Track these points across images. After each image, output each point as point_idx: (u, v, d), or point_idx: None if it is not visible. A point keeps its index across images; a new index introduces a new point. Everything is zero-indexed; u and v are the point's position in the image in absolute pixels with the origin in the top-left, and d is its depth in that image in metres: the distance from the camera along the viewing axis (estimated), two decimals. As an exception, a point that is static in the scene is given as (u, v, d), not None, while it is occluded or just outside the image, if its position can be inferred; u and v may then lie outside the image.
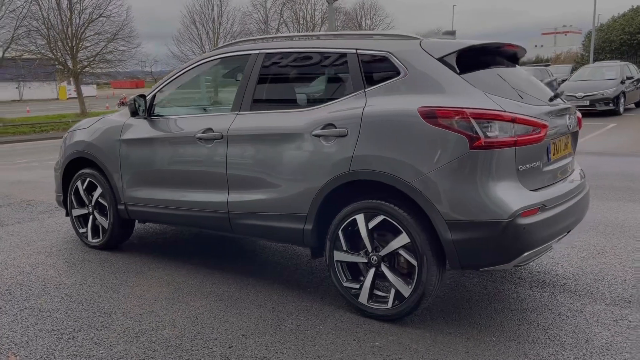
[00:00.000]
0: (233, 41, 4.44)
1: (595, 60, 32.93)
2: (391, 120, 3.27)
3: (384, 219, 3.30)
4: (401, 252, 3.29)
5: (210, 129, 4.04)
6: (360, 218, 3.38)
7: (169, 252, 4.92)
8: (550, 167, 3.42)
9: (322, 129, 3.50)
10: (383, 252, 3.34)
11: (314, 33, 4.53)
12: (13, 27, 30.66)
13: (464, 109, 3.07)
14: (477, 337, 3.19)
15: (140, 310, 3.63)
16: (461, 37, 3.63)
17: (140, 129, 4.53)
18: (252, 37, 4.41)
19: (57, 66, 34.59)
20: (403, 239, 3.25)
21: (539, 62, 40.98)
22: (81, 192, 5.02)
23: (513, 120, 3.06)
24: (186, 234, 5.50)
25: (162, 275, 4.29)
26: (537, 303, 3.64)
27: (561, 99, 3.78)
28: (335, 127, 3.45)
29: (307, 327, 3.34)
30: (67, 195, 5.16)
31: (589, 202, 3.95)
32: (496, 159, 3.04)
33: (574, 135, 3.88)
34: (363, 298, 3.43)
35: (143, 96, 4.47)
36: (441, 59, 3.29)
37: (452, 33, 3.88)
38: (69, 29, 33.41)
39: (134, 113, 4.46)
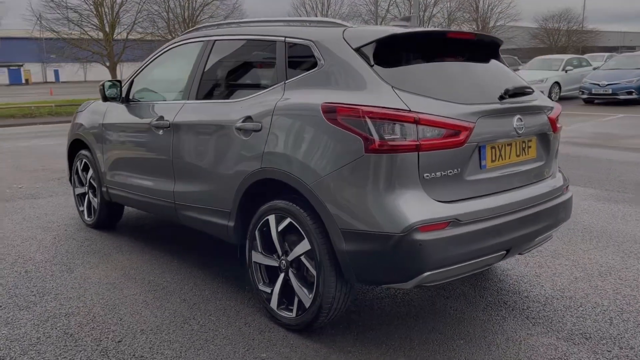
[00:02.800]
0: (197, 27, 4.36)
1: None
2: (297, 116, 3.01)
3: (290, 222, 3.06)
4: (303, 259, 3.03)
5: (162, 117, 4.01)
6: (272, 219, 3.17)
7: (155, 236, 5.00)
8: (485, 176, 2.95)
9: (243, 122, 3.31)
10: (290, 258, 3.11)
11: (262, 19, 4.27)
12: (136, 10, 32.95)
13: (358, 107, 2.73)
14: (379, 358, 2.88)
15: (73, 294, 3.71)
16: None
17: (116, 114, 4.63)
18: (215, 22, 4.29)
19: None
20: (305, 245, 2.99)
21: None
22: (79, 172, 5.26)
23: (416, 122, 2.66)
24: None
25: (124, 260, 4.37)
26: (474, 327, 3.20)
27: (525, 97, 3.24)
28: (252, 121, 3.26)
29: (209, 329, 3.21)
30: (72, 174, 5.43)
31: (562, 215, 3.40)
32: (394, 165, 2.66)
33: (544, 138, 3.33)
34: (273, 303, 3.23)
35: (119, 81, 4.53)
36: (358, 50, 2.94)
37: (407, 19, 3.49)
38: (186, 12, 35.19)
39: (104, 98, 4.54)
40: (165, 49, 4.41)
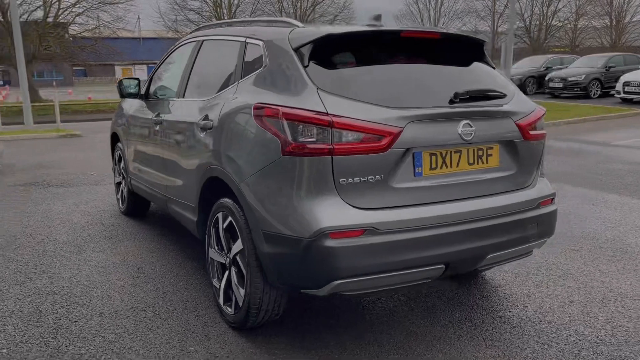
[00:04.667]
0: (200, 26, 4.51)
1: None
2: (236, 116, 3.04)
3: (230, 221, 3.10)
4: (237, 258, 3.06)
5: (158, 114, 4.23)
6: (220, 216, 3.22)
7: (172, 227, 5.26)
8: (421, 184, 2.76)
9: (203, 120, 3.40)
10: (230, 256, 3.15)
11: (242, 19, 4.19)
12: (250, 10, 34.44)
13: (278, 108, 2.69)
14: (300, 366, 2.83)
15: (66, 274, 4.02)
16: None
17: (134, 109, 4.94)
18: (213, 23, 4.41)
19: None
20: (239, 244, 3.01)
21: None
22: (117, 163, 5.68)
23: (330, 125, 2.57)
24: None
25: (130, 247, 4.66)
26: (420, 343, 3.01)
27: (484, 101, 2.99)
28: (208, 119, 3.33)
29: (159, 318, 3.33)
30: (113, 164, 5.88)
31: (534, 230, 3.10)
32: (307, 169, 2.59)
33: (510, 147, 3.04)
34: (220, 299, 3.28)
35: (136, 79, 4.82)
36: (296, 50, 2.89)
37: (377, 18, 3.36)
38: (298, 12, 36.13)
39: (121, 95, 4.85)
40: (175, 48, 4.62)
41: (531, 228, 3.09)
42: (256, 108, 2.83)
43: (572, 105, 17.76)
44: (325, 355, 2.91)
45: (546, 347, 3.00)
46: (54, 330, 3.17)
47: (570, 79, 20.29)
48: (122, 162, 5.41)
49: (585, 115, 15.15)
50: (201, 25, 4.50)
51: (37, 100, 27.01)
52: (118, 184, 5.76)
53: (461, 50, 3.29)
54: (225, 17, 32.89)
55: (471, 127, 2.83)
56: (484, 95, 3.01)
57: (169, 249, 4.59)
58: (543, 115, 3.23)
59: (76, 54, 32.29)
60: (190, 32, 4.55)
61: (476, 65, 3.26)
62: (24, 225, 5.31)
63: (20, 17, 31.15)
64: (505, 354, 2.94)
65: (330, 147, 2.56)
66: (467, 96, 2.89)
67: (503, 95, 3.08)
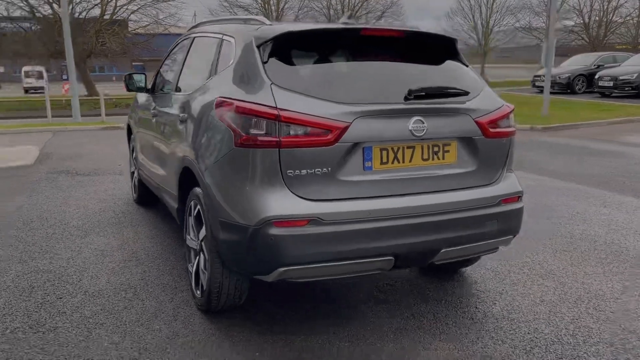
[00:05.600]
0: (197, 23, 4.69)
1: None
2: (203, 109, 3.20)
3: (199, 209, 3.27)
4: (203, 244, 3.22)
5: (155, 107, 4.46)
6: (192, 204, 3.40)
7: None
8: (370, 178, 2.84)
9: (181, 113, 3.58)
10: (199, 242, 3.32)
11: (230, 17, 4.26)
12: (298, 7, 34.70)
13: (233, 101, 2.83)
14: (260, 345, 2.97)
15: (66, 255, 4.31)
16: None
17: (140, 103, 5.20)
18: (208, 20, 4.58)
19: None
20: (204, 231, 3.18)
21: None
22: (131, 153, 5.98)
23: (277, 118, 2.69)
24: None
25: (131, 232, 4.92)
26: (375, 333, 3.10)
27: (442, 98, 3.03)
28: (184, 112, 3.52)
29: (136, 298, 3.53)
30: (130, 155, 6.19)
31: (494, 227, 3.12)
32: (256, 160, 2.72)
33: (469, 143, 3.07)
34: (192, 283, 3.46)
35: (142, 73, 5.06)
36: (259, 46, 3.01)
37: (349, 16, 3.45)
38: (345, 8, 36.11)
39: (127, 89, 5.10)
40: (176, 43, 4.83)
41: (490, 225, 3.11)
42: (217, 102, 2.98)
43: (619, 105, 17.10)
44: (279, 340, 3.03)
45: (499, 342, 3.02)
46: (39, 305, 3.43)
47: (621, 77, 19.51)
48: (134, 152, 5.70)
49: (632, 115, 14.58)
50: (198, 22, 4.69)
51: (95, 94, 28.24)
52: (132, 174, 6.06)
53: (431, 48, 3.33)
54: (273, 14, 33.34)
55: (423, 123, 2.88)
56: (442, 93, 3.04)
57: (168, 235, 4.82)
58: (509, 113, 3.24)
59: (130, 50, 33.49)
60: (189, 29, 4.75)
61: (445, 63, 3.30)
62: (43, 209, 5.68)
63: (79, 14, 32.72)
64: (456, 346, 2.98)
65: (278, 139, 2.68)
66: (423, 93, 2.94)
67: (465, 93, 3.11)
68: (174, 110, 3.81)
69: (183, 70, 4.18)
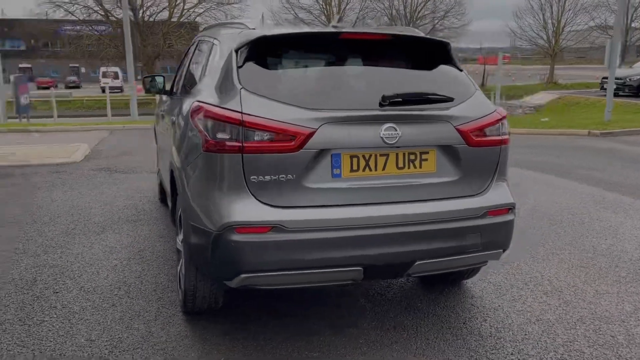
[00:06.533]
0: (207, 26, 4.74)
1: None
2: (185, 114, 3.22)
3: (180, 212, 3.30)
4: (179, 247, 3.25)
5: (163, 109, 4.56)
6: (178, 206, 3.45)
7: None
8: (340, 186, 2.76)
9: (172, 116, 3.64)
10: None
11: (226, 22, 4.19)
12: (359, 7, 34.61)
13: (204, 106, 2.84)
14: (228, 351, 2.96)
15: (77, 251, 4.47)
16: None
17: (159, 103, 5.33)
18: (218, 23, 4.61)
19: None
20: (181, 234, 3.21)
21: None
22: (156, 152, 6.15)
23: (241, 123, 2.66)
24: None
25: (145, 231, 5.04)
26: (337, 339, 3.02)
27: (422, 105, 2.90)
28: (175, 115, 3.56)
29: (127, 296, 3.62)
30: (158, 155, 6.38)
31: (476, 240, 2.96)
32: (221, 165, 2.71)
33: (450, 152, 2.92)
34: (178, 284, 3.51)
35: (161, 76, 5.17)
36: (236, 51, 3.01)
37: (339, 20, 3.39)
38: (407, 8, 35.69)
39: (146, 90, 5.23)
40: (189, 47, 4.92)
41: (472, 238, 2.95)
42: (193, 107, 3.00)
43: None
44: (250, 346, 3.00)
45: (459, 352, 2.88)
46: (35, 298, 3.58)
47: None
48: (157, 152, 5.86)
49: None
50: (205, 26, 4.75)
51: (159, 94, 29.29)
52: (157, 172, 6.23)
53: (421, 52, 3.21)
54: (335, 15, 33.39)
55: (396, 130, 2.78)
56: (421, 99, 2.92)
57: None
58: (499, 120, 3.06)
59: (196, 51, 34.55)
60: (199, 32, 4.81)
61: (435, 68, 3.17)
62: (72, 205, 5.94)
63: (149, 17, 34.14)
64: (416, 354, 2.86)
65: (241, 145, 2.66)
66: (400, 99, 2.83)
67: (447, 99, 2.96)
68: (169, 113, 3.88)
69: (184, 73, 4.24)
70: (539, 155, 9.74)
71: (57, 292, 3.68)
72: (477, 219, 2.96)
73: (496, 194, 3.08)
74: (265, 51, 2.96)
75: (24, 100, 19.72)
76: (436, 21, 34.36)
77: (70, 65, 53.55)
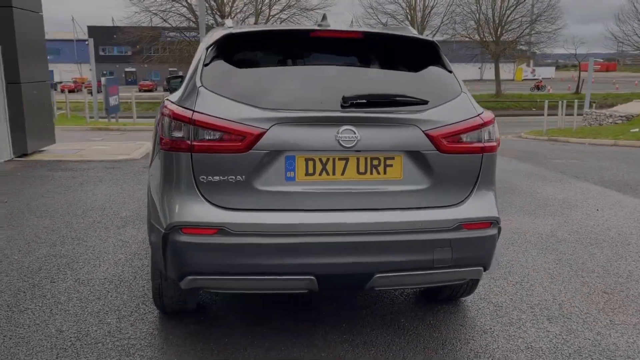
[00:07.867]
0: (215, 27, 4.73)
1: None
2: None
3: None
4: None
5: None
6: (162, 205, 3.46)
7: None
8: (294, 189, 2.63)
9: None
10: (156, 243, 3.35)
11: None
12: (444, 12, 33.91)
13: (166, 104, 2.82)
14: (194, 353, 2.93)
15: (79, 249, 4.64)
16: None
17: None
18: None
19: (481, 48, 36.28)
20: (154, 233, 3.21)
21: None
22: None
23: (191, 122, 2.61)
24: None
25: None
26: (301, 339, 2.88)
27: (390, 107, 2.70)
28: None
29: (114, 291, 3.67)
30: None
31: (447, 255, 2.72)
32: (172, 163, 2.67)
33: (419, 158, 2.70)
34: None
35: (182, 76, 5.26)
36: (206, 49, 2.97)
37: (323, 18, 3.25)
38: (495, 13, 34.51)
39: (170, 90, 5.32)
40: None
41: (441, 252, 2.71)
42: (162, 105, 2.99)
43: None
44: (218, 348, 2.94)
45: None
46: (31, 287, 3.73)
47: None
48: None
49: None
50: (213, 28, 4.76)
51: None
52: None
53: (403, 52, 3.01)
54: (419, 20, 32.88)
55: (354, 133, 2.61)
56: (388, 101, 2.73)
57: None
58: (480, 125, 2.79)
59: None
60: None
61: (419, 69, 2.96)
62: (109, 200, 6.19)
63: (238, 23, 35.32)
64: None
65: (190, 143, 2.61)
66: (363, 101, 2.66)
67: (420, 102, 2.75)
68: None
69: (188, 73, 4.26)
70: (611, 169, 8.97)
71: (53, 282, 3.82)
72: (449, 231, 2.72)
73: (475, 206, 2.81)
74: (232, 49, 2.90)
75: (113, 101, 21.09)
76: (525, 26, 32.81)
77: (170, 69, 56.63)
